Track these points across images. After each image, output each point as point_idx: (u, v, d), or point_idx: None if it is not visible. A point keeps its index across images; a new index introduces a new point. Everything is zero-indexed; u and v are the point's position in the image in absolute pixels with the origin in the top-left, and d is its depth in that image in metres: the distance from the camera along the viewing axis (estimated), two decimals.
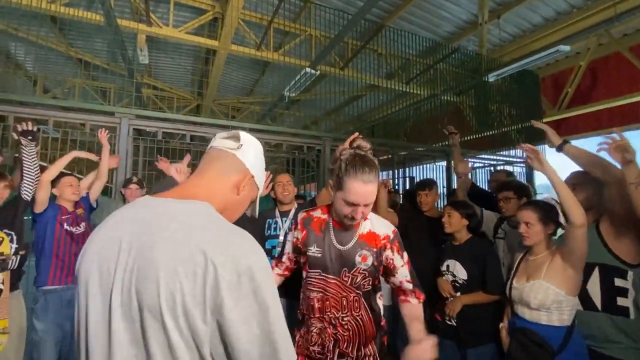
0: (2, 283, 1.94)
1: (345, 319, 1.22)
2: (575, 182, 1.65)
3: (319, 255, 1.27)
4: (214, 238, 0.60)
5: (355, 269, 1.23)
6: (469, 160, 5.53)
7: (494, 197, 2.31)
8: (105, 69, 6.60)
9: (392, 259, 1.27)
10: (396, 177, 5.78)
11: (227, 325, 0.55)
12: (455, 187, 2.98)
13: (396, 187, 5.26)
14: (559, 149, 1.68)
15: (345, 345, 1.22)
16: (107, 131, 2.41)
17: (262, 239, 2.23)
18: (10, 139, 2.60)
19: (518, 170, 5.51)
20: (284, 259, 1.42)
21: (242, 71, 7.14)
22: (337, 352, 1.22)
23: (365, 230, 1.27)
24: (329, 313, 1.23)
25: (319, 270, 1.27)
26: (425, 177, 5.98)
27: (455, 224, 1.95)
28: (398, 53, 5.54)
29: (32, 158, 2.09)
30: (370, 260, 1.24)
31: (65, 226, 2.30)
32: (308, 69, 5.02)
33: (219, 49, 4.55)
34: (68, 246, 2.30)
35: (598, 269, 1.52)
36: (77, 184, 2.37)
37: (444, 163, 4.80)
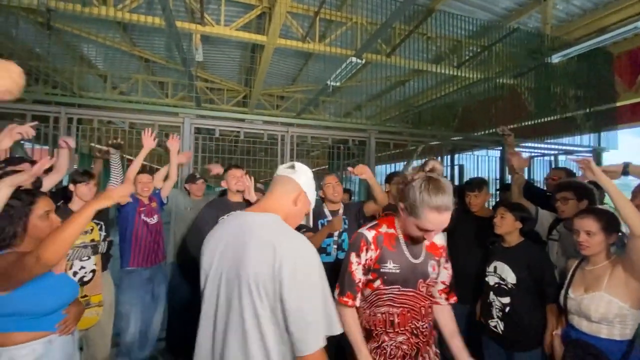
0: (96, 265, 2.31)
1: (424, 326, 1.31)
2: None
3: (397, 270, 1.27)
4: (282, 239, 0.95)
5: (429, 278, 1.33)
6: (525, 150, 5.17)
7: (551, 196, 2.19)
8: (162, 64, 7.14)
9: (443, 265, 1.40)
10: (444, 165, 5.56)
11: (284, 293, 0.88)
12: (510, 181, 2.82)
13: (445, 177, 5.07)
14: (624, 174, 1.58)
15: (424, 349, 1.32)
16: (177, 136, 2.69)
17: None
18: (87, 132, 3.00)
19: None
20: (360, 286, 1.30)
21: (287, 60, 7.25)
22: (418, 358, 1.30)
23: (428, 242, 1.35)
24: (410, 324, 1.28)
25: (398, 286, 1.28)
26: (476, 166, 5.71)
27: (507, 226, 1.88)
28: (449, 35, 5.25)
29: (117, 163, 2.46)
30: (437, 269, 1.37)
31: (143, 217, 2.64)
32: (353, 59, 4.98)
33: (267, 44, 4.68)
34: (145, 234, 2.64)
35: None
36: (149, 179, 2.69)
37: (498, 153, 4.53)
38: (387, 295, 1.27)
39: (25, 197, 1.34)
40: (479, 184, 2.42)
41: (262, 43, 4.74)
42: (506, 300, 1.82)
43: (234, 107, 8.74)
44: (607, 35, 3.87)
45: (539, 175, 5.02)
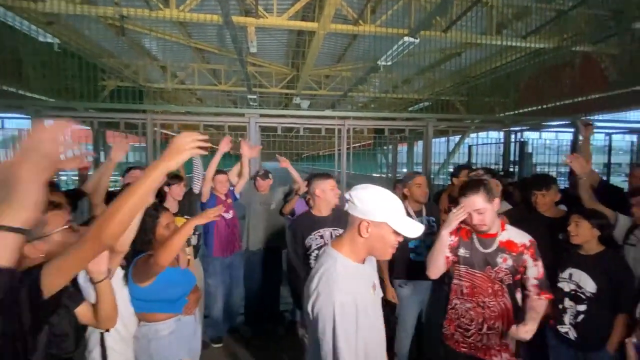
0: (190, 255, 2.70)
1: (491, 303, 1.61)
2: None
3: (467, 255, 1.67)
4: (315, 279, 1.08)
5: (497, 267, 1.61)
6: (603, 128, 4.66)
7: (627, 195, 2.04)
8: (215, 53, 7.43)
9: (526, 261, 1.61)
10: (506, 141, 5.09)
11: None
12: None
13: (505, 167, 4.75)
14: None
15: (492, 322, 1.61)
16: (249, 142, 2.93)
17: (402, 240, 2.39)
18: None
19: None
20: (445, 259, 1.74)
21: (333, 39, 7.11)
22: (485, 326, 1.62)
23: (504, 239, 1.64)
24: (477, 297, 1.63)
25: (466, 266, 1.67)
26: (542, 148, 5.22)
27: (585, 235, 1.81)
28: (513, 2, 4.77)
29: (199, 165, 2.76)
30: (510, 262, 1.60)
31: (221, 213, 2.97)
32: (407, 38, 4.78)
33: (318, 30, 4.66)
34: (224, 227, 3.00)
35: None
36: (226, 180, 2.99)
37: (570, 137, 4.18)
38: (459, 272, 1.70)
39: (153, 212, 1.70)
40: (546, 182, 2.24)
41: (314, 30, 4.73)
42: (582, 308, 1.80)
43: (283, 90, 8.91)
44: None
45: (620, 156, 4.54)
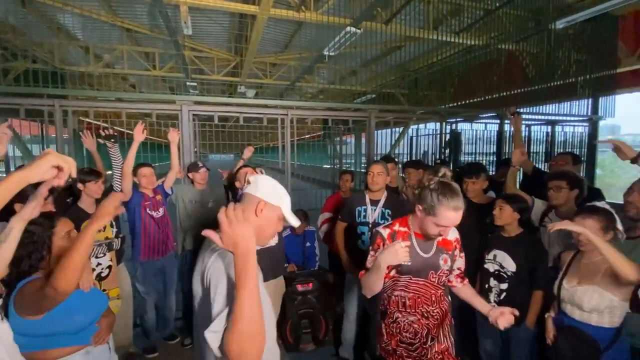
0: (111, 260, 2.39)
1: (435, 311, 1.51)
2: None
3: (409, 263, 1.43)
4: (210, 262, 1.01)
5: (440, 270, 1.49)
6: (525, 117, 5.13)
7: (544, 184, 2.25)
8: (147, 34, 6.73)
9: (457, 255, 1.56)
10: (442, 132, 5.43)
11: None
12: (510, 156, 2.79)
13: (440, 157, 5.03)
14: (634, 161, 1.61)
15: (435, 331, 1.52)
16: (178, 131, 2.63)
17: (354, 226, 2.38)
18: (76, 124, 2.94)
19: (580, 130, 5.07)
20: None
21: (278, 26, 6.87)
22: (429, 337, 1.50)
23: (439, 238, 1.50)
24: (421, 308, 1.49)
25: (409, 276, 1.48)
26: (473, 138, 5.65)
27: (507, 218, 1.97)
28: None
29: (117, 157, 2.42)
30: (449, 262, 1.53)
31: (148, 211, 2.67)
32: (350, 28, 4.76)
33: (259, 14, 4.42)
34: (153, 227, 2.70)
35: None
36: (152, 173, 2.68)
37: (496, 127, 4.53)
38: (401, 283, 1.50)
39: (45, 221, 1.37)
40: (476, 170, 2.41)
41: (254, 14, 4.48)
42: (504, 286, 1.96)
43: (226, 78, 8.43)
44: (615, 1, 3.73)
45: (535, 146, 5.05)
